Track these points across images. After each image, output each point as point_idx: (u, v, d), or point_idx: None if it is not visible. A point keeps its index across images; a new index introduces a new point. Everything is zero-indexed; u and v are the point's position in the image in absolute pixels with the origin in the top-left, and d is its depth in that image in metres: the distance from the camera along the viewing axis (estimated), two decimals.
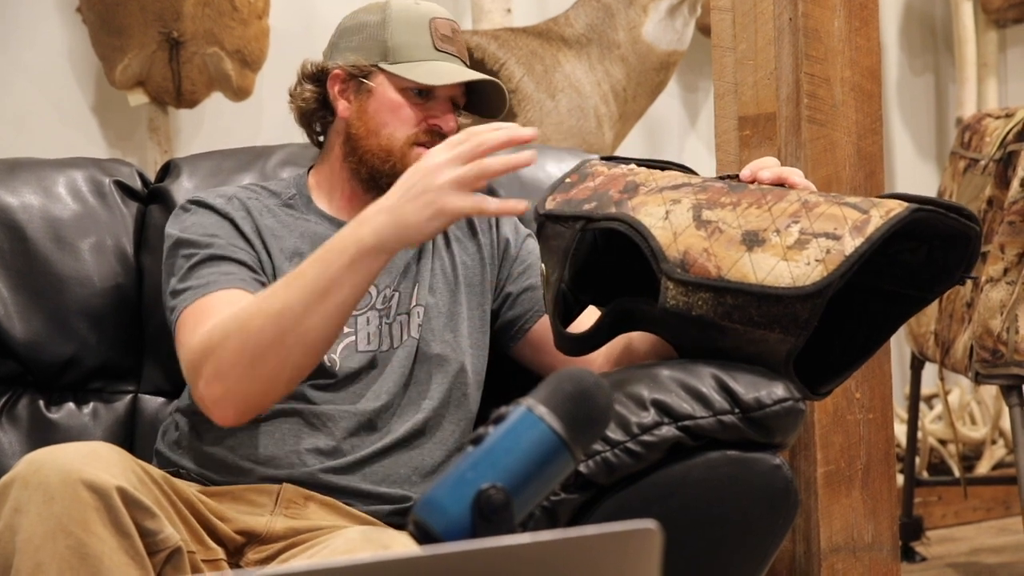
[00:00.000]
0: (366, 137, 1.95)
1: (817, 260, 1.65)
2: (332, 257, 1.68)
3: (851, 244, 1.65)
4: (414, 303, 1.97)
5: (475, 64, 3.12)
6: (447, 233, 2.04)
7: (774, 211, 1.71)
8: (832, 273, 1.64)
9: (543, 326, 2.00)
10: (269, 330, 1.67)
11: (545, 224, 1.83)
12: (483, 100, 2.00)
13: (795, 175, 1.78)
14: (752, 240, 1.69)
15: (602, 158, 1.93)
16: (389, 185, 1.91)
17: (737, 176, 1.82)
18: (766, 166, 1.80)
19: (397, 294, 1.96)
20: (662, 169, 1.87)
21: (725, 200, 1.74)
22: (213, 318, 1.75)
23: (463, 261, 2.03)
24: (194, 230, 1.90)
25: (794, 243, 1.67)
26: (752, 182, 1.79)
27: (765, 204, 1.72)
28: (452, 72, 1.94)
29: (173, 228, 1.92)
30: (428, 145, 1.92)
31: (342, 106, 1.98)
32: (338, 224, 1.97)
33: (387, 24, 1.96)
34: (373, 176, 1.95)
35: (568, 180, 1.87)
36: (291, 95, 2.02)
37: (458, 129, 1.97)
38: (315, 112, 2.01)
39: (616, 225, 1.77)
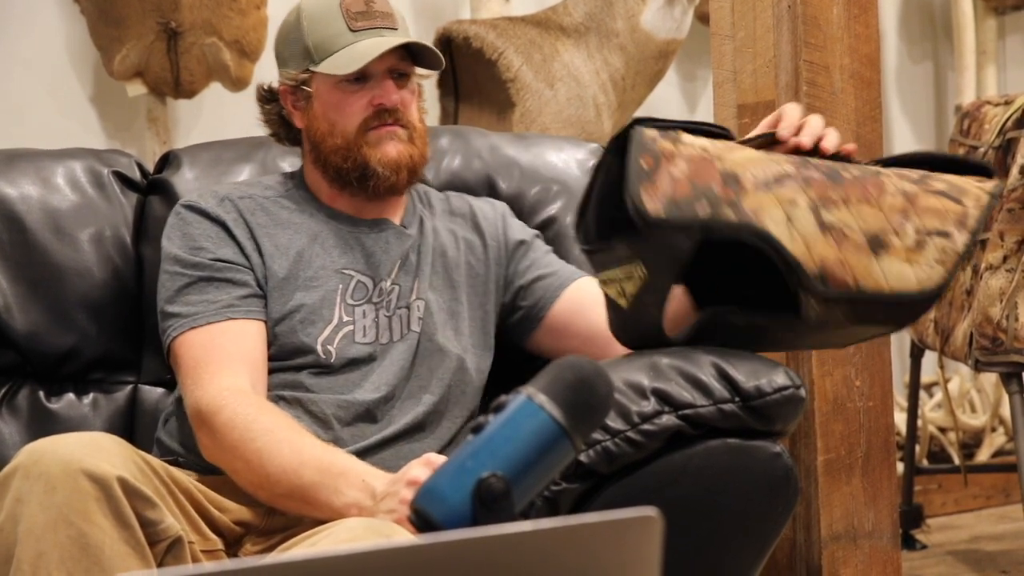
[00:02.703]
0: (323, 140, 1.96)
1: (937, 261, 1.71)
2: (332, 489, 1.67)
3: (960, 241, 1.72)
4: (415, 297, 1.96)
5: (474, 53, 3.12)
6: (455, 232, 2.04)
7: (884, 207, 1.73)
8: (950, 272, 1.71)
9: (558, 311, 2.00)
10: (259, 470, 1.72)
11: (656, 230, 1.71)
12: (425, 55, 1.96)
13: (829, 135, 1.80)
14: (876, 244, 1.72)
15: (639, 121, 1.78)
16: (357, 181, 1.93)
17: (773, 135, 1.80)
18: (796, 121, 1.80)
19: (397, 287, 1.96)
20: (709, 135, 1.80)
21: (834, 196, 1.74)
22: (211, 365, 1.81)
23: (468, 261, 2.02)
24: (184, 243, 1.92)
25: (913, 245, 1.72)
26: (793, 147, 1.79)
27: (872, 199, 1.74)
28: (367, 50, 1.90)
29: (166, 239, 1.95)
30: (378, 125, 1.93)
31: (297, 118, 1.99)
32: (333, 215, 1.98)
33: (302, 24, 1.95)
34: (339, 175, 1.96)
35: (643, 165, 1.73)
36: (260, 119, 2.05)
37: (409, 90, 1.95)
38: (283, 129, 2.03)
39: (745, 237, 1.71)
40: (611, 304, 1.80)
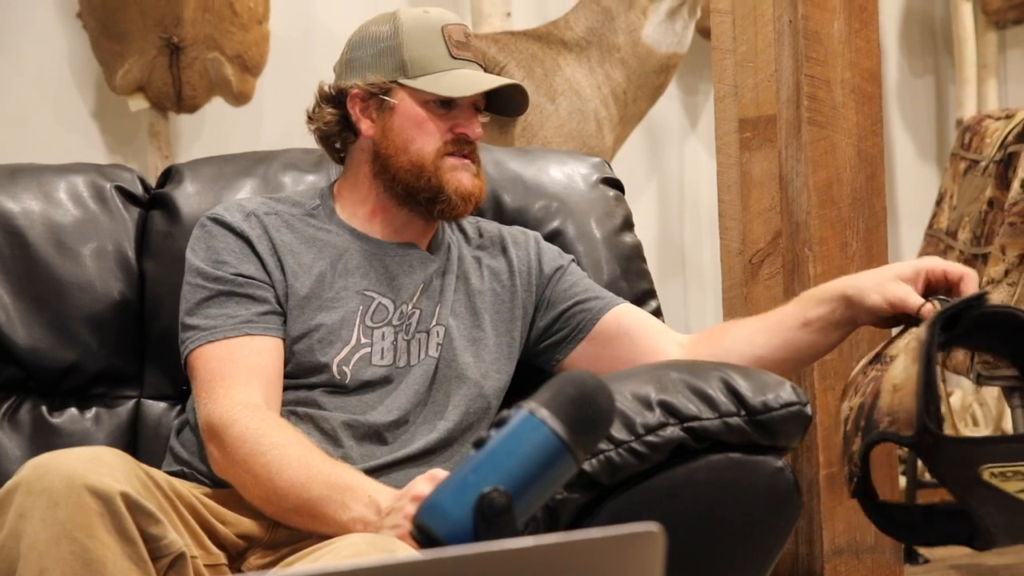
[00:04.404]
0: (395, 155, 1.94)
1: None
2: (338, 504, 1.67)
3: None
4: (435, 322, 1.96)
5: None
6: (481, 259, 2.04)
7: None
8: None
9: (599, 334, 2.01)
10: (267, 484, 1.72)
11: None
12: (502, 101, 2.00)
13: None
14: None
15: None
16: (428, 199, 1.92)
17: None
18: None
19: (418, 311, 1.95)
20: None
21: None
22: (226, 379, 1.82)
23: (492, 288, 2.02)
24: (207, 256, 1.92)
25: None
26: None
27: None
28: (476, 80, 1.93)
29: (190, 250, 1.95)
30: (457, 153, 1.93)
31: (365, 125, 1.96)
32: (359, 236, 1.97)
33: (400, 36, 1.94)
34: (409, 192, 1.95)
35: None
36: (311, 118, 2.01)
37: (482, 128, 1.97)
38: (338, 133, 2.00)
39: None
40: (999, 499, 1.59)
